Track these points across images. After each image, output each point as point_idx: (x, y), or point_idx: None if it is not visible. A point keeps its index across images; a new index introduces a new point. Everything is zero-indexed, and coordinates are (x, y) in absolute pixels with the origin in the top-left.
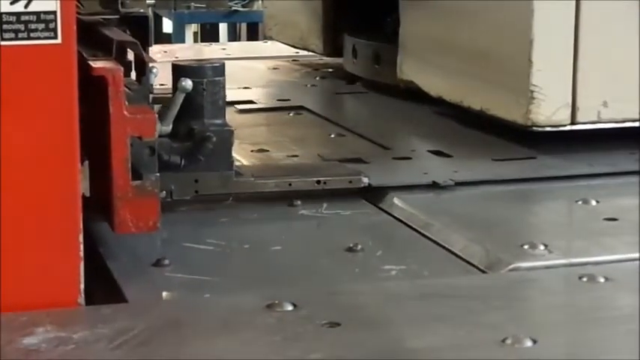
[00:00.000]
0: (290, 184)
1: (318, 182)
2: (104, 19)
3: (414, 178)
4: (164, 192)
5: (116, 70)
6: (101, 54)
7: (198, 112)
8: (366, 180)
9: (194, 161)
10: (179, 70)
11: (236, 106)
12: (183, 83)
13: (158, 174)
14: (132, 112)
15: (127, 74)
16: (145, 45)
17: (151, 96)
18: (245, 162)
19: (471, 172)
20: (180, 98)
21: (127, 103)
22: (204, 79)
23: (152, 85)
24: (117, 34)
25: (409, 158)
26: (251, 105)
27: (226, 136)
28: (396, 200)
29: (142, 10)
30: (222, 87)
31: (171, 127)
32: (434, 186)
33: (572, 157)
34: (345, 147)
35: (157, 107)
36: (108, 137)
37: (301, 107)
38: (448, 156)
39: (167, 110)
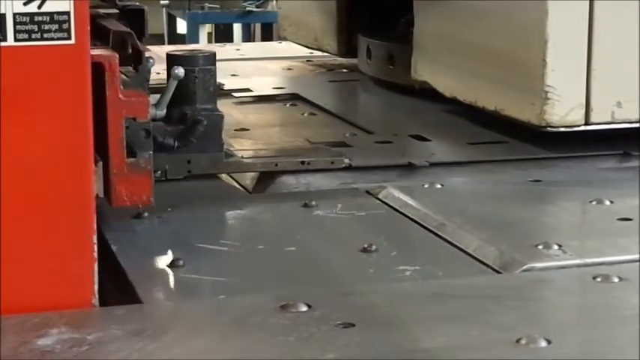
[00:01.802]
0: (276, 165)
1: (302, 163)
2: (105, 13)
3: (393, 160)
4: (159, 172)
5: (112, 57)
6: (99, 44)
7: (191, 98)
8: (347, 161)
9: (187, 143)
10: (173, 59)
11: (233, 94)
12: (176, 71)
13: (151, 152)
14: (127, 95)
15: (129, 65)
16: (141, 36)
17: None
18: None
19: (445, 154)
20: (173, 85)
21: (123, 88)
22: (196, 68)
23: (149, 72)
24: (114, 26)
25: (390, 142)
26: (247, 93)
27: (216, 120)
28: (409, 200)
29: (137, 3)
30: (213, 75)
31: (165, 111)
32: (410, 166)
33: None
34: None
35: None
36: (105, 119)
37: (295, 95)
38: (427, 140)
39: (161, 96)
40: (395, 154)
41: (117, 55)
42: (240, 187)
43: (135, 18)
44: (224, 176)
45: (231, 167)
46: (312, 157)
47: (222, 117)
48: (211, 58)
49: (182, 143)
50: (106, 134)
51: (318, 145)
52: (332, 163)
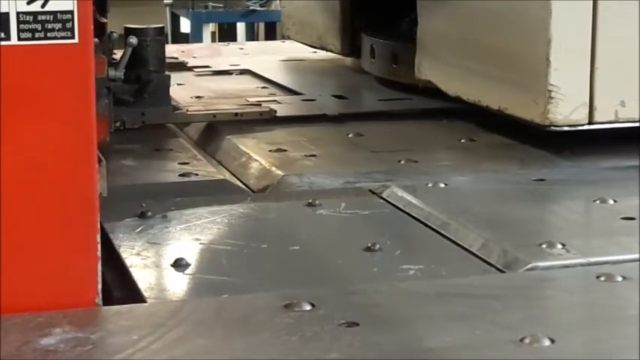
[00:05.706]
0: (214, 116)
1: (236, 114)
2: None
3: (312, 112)
4: (118, 122)
5: None
6: None
7: (144, 63)
8: (273, 113)
9: (141, 99)
10: (128, 31)
11: (194, 69)
12: (131, 40)
13: (107, 101)
14: None
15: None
16: (103, 12)
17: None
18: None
19: (356, 107)
20: (128, 51)
21: None
22: (147, 38)
23: (112, 42)
24: None
25: (314, 100)
26: (206, 69)
27: (165, 80)
28: (413, 200)
29: None
30: (162, 44)
31: (123, 73)
32: (325, 117)
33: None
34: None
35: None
36: None
37: (247, 70)
38: (345, 98)
39: (119, 60)
40: (315, 108)
41: None
42: (244, 187)
43: None
44: (228, 175)
45: (177, 118)
46: (245, 110)
47: (169, 77)
48: (160, 30)
49: (137, 99)
50: None
51: (254, 103)
52: (261, 114)
